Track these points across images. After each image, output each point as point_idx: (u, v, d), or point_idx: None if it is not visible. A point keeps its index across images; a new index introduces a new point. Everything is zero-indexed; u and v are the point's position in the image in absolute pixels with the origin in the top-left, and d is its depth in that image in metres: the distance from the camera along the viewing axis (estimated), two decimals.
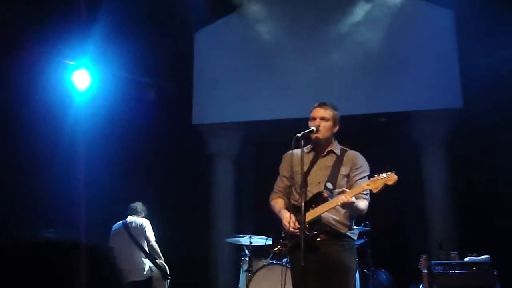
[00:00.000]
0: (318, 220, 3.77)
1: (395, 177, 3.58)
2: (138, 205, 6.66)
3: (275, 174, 4.23)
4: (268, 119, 7.82)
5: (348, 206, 3.69)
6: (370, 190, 3.67)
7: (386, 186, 3.58)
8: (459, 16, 7.52)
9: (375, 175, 3.66)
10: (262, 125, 7.97)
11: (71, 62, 7.26)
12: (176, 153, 7.93)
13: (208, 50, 8.23)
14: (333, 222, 3.85)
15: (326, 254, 3.77)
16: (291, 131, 3.85)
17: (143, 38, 7.55)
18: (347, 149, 4.06)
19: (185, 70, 8.20)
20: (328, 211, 3.78)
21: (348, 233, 3.91)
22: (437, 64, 7.58)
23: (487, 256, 5.59)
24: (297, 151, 3.90)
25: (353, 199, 3.64)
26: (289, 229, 3.76)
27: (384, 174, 3.62)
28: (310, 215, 3.75)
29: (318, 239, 3.77)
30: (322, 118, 3.96)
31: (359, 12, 7.88)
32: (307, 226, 3.72)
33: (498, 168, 7.11)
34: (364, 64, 7.68)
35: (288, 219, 3.78)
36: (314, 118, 3.96)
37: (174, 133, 7.97)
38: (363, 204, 3.81)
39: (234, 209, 8.01)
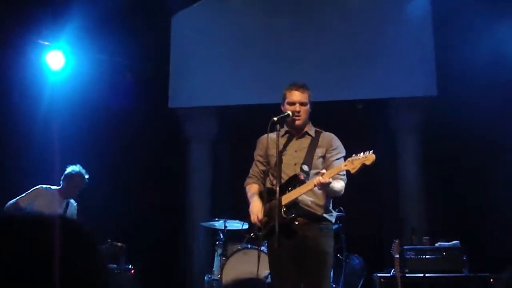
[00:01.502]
0: (295, 203, 3.76)
1: (373, 156, 3.56)
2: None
3: (252, 158, 4.25)
4: (245, 104, 7.82)
5: (325, 187, 3.66)
6: (348, 171, 3.64)
7: (364, 166, 3.56)
8: (435, 5, 7.58)
9: (353, 155, 3.63)
10: (239, 110, 7.97)
11: (46, 43, 7.15)
12: (152, 137, 7.89)
13: (186, 33, 8.17)
14: (311, 204, 3.85)
15: (303, 238, 3.78)
16: (267, 116, 3.87)
17: (120, 19, 7.47)
18: (321, 130, 4.06)
19: (162, 52, 8.13)
20: (305, 194, 3.78)
21: (326, 216, 3.92)
22: (414, 52, 7.64)
23: (457, 241, 5.70)
24: (272, 135, 3.91)
25: (330, 179, 3.60)
26: (253, 220, 3.79)
27: (361, 154, 3.59)
28: (287, 198, 3.75)
29: (296, 222, 3.78)
30: (302, 104, 3.97)
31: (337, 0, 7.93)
32: (285, 209, 3.73)
33: (470, 156, 7.23)
34: (341, 51, 7.71)
35: (255, 208, 3.81)
36: (293, 103, 3.95)
37: (150, 116, 7.92)
38: (339, 185, 3.81)
39: (210, 193, 8.01)
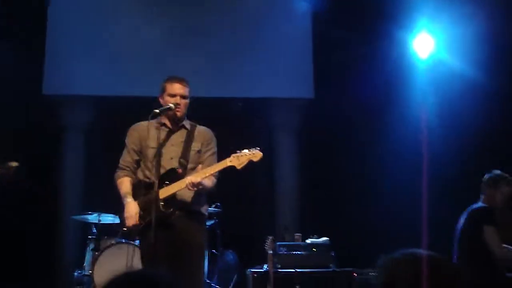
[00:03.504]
0: (173, 197, 3.73)
1: (260, 154, 3.64)
2: None
3: (124, 145, 4.12)
4: (123, 95, 7.60)
5: (196, 186, 3.68)
6: (234, 166, 3.67)
7: (251, 163, 3.63)
8: (315, 8, 7.87)
9: (237, 151, 3.67)
10: (117, 101, 7.71)
11: None
12: (22, 124, 7.39)
13: (65, 16, 7.76)
14: (188, 199, 3.83)
15: (180, 233, 3.76)
16: (145, 108, 3.81)
17: None
18: (196, 124, 4.06)
19: (37, 34, 7.64)
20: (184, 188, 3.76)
21: (202, 210, 3.94)
22: (293, 54, 7.90)
23: (327, 238, 5.99)
24: (145, 124, 3.84)
25: (200, 179, 3.65)
26: (129, 224, 3.72)
27: (246, 151, 3.66)
28: (165, 192, 3.71)
29: (173, 216, 3.74)
30: (183, 96, 3.94)
31: None
32: (162, 203, 3.69)
33: (341, 158, 7.61)
34: (222, 49, 7.76)
35: (133, 212, 3.74)
36: (175, 95, 3.92)
37: (21, 102, 7.41)
38: (210, 182, 3.83)
39: (83, 185, 7.68)
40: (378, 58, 7.22)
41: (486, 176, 4.85)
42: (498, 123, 6.22)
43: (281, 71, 7.80)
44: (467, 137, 6.59)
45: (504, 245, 4.65)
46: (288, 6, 8.02)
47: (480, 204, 4.82)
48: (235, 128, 7.32)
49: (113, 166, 4.25)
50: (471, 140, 6.55)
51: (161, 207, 3.67)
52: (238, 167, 3.64)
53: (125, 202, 3.82)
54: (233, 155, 3.68)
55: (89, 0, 7.86)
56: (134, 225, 3.72)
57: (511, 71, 6.12)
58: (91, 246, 6.06)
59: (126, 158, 4.01)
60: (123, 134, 4.23)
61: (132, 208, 3.74)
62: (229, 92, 7.82)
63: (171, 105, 3.85)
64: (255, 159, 3.63)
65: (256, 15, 7.90)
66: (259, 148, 3.67)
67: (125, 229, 3.88)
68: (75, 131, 7.85)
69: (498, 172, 4.84)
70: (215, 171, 3.70)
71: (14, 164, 4.89)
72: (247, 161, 3.63)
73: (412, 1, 6.73)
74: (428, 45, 7.06)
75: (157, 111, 3.76)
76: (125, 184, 3.94)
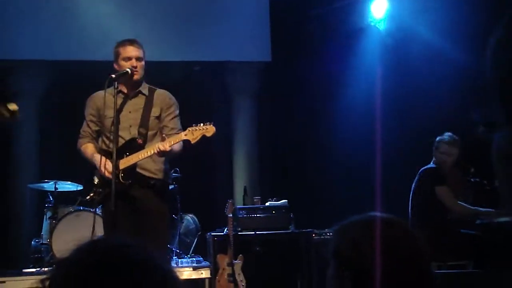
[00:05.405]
0: (133, 168, 3.68)
1: (214, 128, 3.62)
2: None
3: (83, 116, 4.05)
4: (77, 60, 7.38)
5: (165, 154, 3.66)
6: (188, 141, 3.64)
7: (204, 138, 3.62)
8: None
9: (193, 125, 3.64)
10: (70, 66, 7.49)
11: None
12: None
13: None
14: (150, 169, 3.81)
15: (141, 202, 3.73)
16: (100, 72, 3.73)
17: None
18: (155, 88, 3.98)
19: None
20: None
21: (165, 179, 3.92)
22: (250, 17, 7.82)
23: (285, 200, 6.07)
24: (102, 93, 3.74)
25: (170, 147, 3.62)
26: (104, 173, 3.63)
27: (201, 125, 3.62)
28: (125, 163, 3.65)
29: (133, 187, 3.71)
30: (138, 58, 3.84)
31: None
32: (122, 174, 3.63)
33: (299, 121, 7.67)
34: (178, 12, 7.62)
35: (102, 163, 3.63)
36: (130, 58, 3.81)
37: None
38: (177, 146, 3.81)
39: (39, 152, 7.50)
40: (335, 21, 7.22)
41: (437, 138, 4.99)
42: (452, 84, 6.34)
43: (238, 34, 7.73)
44: (422, 99, 6.71)
45: (459, 202, 4.83)
46: None
47: (430, 165, 4.97)
48: (193, 92, 7.26)
49: (69, 132, 4.18)
50: (426, 102, 6.67)
51: (120, 178, 3.63)
52: (192, 142, 3.62)
53: (93, 160, 3.77)
54: (189, 128, 3.65)
55: None
56: (110, 175, 3.56)
57: (467, 36, 6.21)
58: (48, 214, 5.99)
59: (86, 129, 3.96)
60: (79, 99, 4.15)
61: (101, 160, 3.65)
62: (186, 56, 7.72)
63: (128, 69, 3.76)
64: (208, 134, 3.62)
65: None
66: (212, 123, 3.65)
67: (88, 198, 3.83)
68: (28, 97, 7.59)
69: (448, 134, 4.98)
70: (172, 143, 3.65)
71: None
72: (200, 136, 3.61)
73: None
74: (384, 9, 7.10)
75: (113, 76, 3.67)
76: (89, 147, 3.91)
